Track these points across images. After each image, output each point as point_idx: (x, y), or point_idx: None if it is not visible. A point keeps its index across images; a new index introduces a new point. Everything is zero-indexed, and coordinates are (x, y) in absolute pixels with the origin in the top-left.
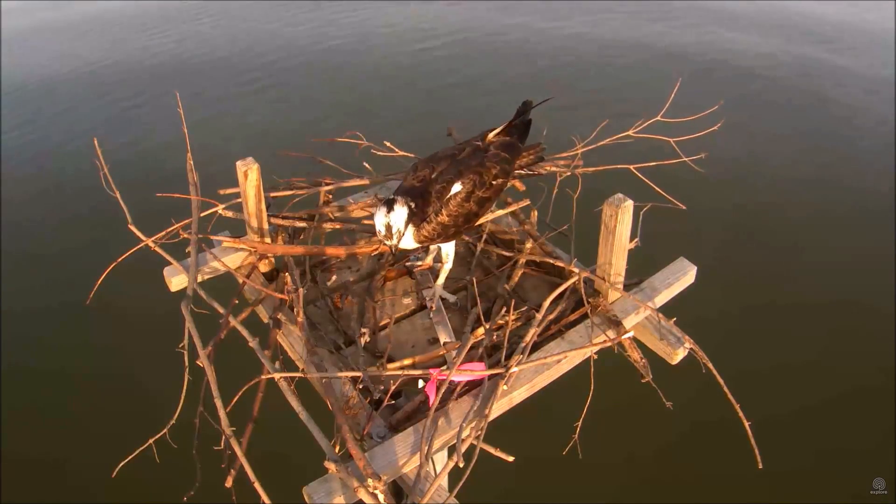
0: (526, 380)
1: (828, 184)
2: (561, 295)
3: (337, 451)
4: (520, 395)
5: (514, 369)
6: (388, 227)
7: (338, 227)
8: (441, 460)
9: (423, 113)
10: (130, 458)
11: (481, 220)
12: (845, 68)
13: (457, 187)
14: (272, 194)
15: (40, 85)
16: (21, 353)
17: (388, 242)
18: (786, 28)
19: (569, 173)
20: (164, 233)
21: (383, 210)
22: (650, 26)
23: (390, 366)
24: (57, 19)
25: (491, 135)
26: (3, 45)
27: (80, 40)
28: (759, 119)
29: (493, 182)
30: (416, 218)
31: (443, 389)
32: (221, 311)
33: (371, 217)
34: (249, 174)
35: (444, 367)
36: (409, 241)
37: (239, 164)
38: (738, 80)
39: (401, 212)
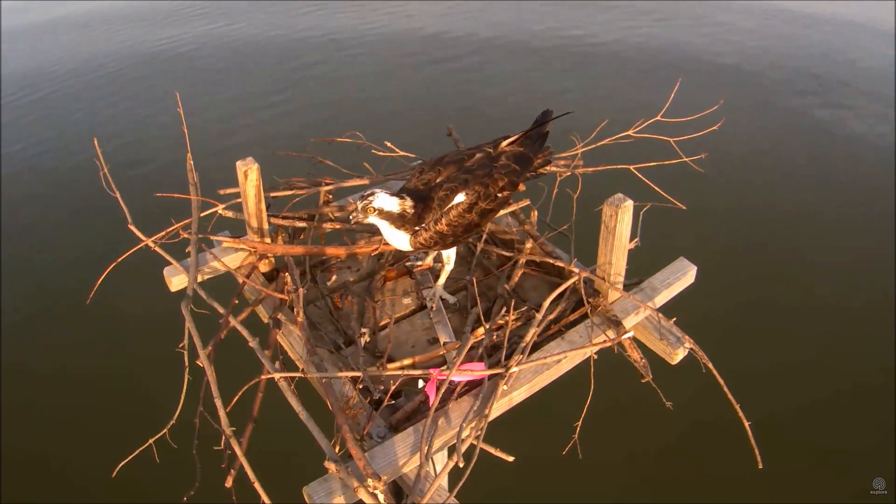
0: (526, 380)
1: (828, 183)
2: (561, 295)
3: (337, 451)
4: (520, 395)
5: (514, 369)
6: (364, 198)
7: (338, 227)
8: (441, 460)
9: (425, 113)
10: (130, 458)
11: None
12: (845, 68)
13: (460, 197)
14: (272, 194)
15: (41, 85)
16: (21, 353)
17: (352, 213)
18: (785, 28)
19: (569, 173)
20: (164, 233)
21: (377, 191)
22: (651, 28)
23: (390, 366)
24: (59, 18)
25: (504, 143)
26: (4, 43)
27: (83, 39)
28: (759, 119)
29: (499, 194)
30: (410, 223)
31: (443, 389)
32: (221, 311)
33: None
34: (249, 174)
35: (444, 367)
36: (404, 244)
37: (239, 164)
38: (737, 80)
39: (390, 200)
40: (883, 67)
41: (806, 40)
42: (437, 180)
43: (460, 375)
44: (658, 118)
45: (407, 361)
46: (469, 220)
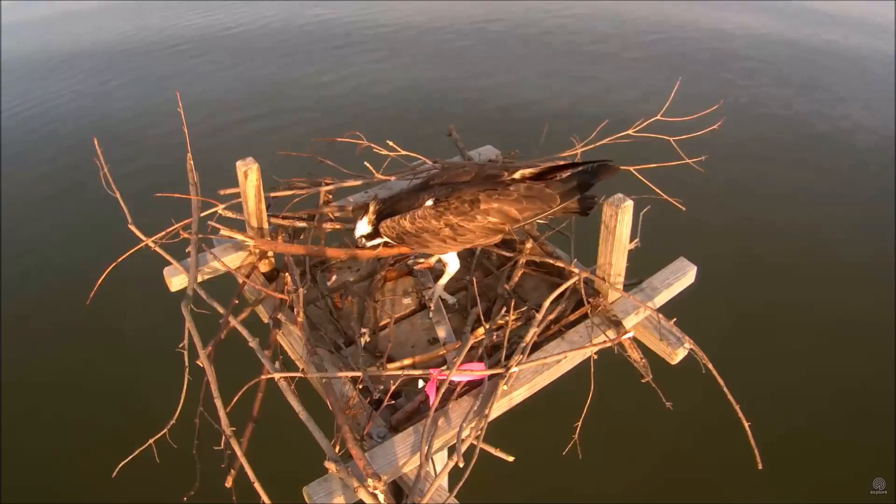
0: (526, 380)
1: (829, 187)
2: (561, 295)
3: (337, 451)
4: (520, 395)
5: (514, 369)
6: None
7: (338, 227)
8: (441, 460)
9: (426, 112)
10: (130, 458)
11: (475, 245)
12: (846, 72)
13: (429, 202)
14: (272, 194)
15: (42, 85)
16: (21, 354)
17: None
18: (786, 33)
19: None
20: (164, 233)
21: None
22: (651, 26)
23: (390, 366)
24: (64, 18)
25: (527, 171)
26: (4, 43)
27: (85, 40)
28: (760, 122)
29: (479, 217)
30: (384, 207)
31: (443, 389)
32: (221, 311)
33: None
34: (249, 174)
35: (444, 367)
36: (364, 227)
37: (239, 164)
38: (739, 84)
39: (360, 225)
40: (884, 76)
41: (810, 53)
42: (432, 184)
43: (460, 375)
44: (658, 118)
45: (407, 361)
46: (436, 228)
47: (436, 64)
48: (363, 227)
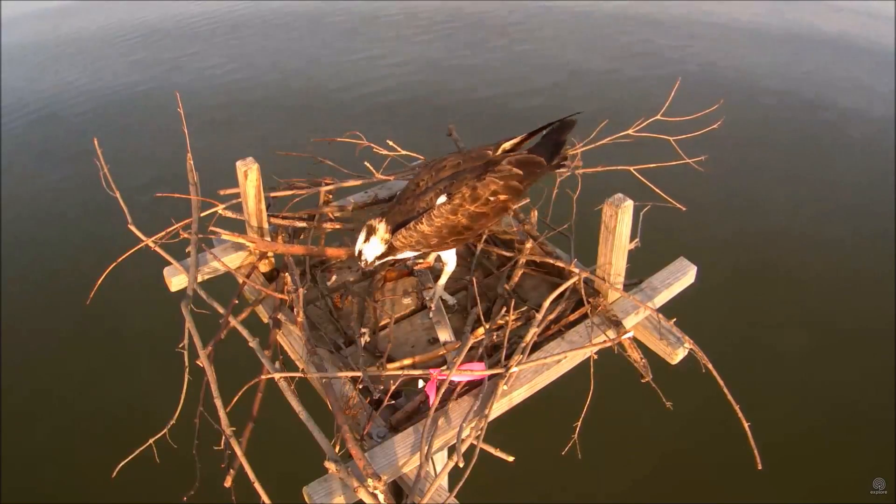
0: (526, 380)
1: (831, 189)
2: (561, 295)
3: (337, 451)
4: (520, 395)
5: (514, 369)
6: (360, 253)
7: (338, 227)
8: (441, 460)
9: (425, 112)
10: (130, 458)
11: (481, 232)
12: (847, 81)
13: (441, 199)
14: (272, 194)
15: (41, 86)
16: (21, 354)
17: (360, 263)
18: (789, 42)
19: (569, 173)
20: (164, 233)
21: (363, 235)
22: (652, 26)
23: (390, 366)
24: (65, 23)
25: (507, 144)
26: (5, 45)
27: (85, 43)
28: (760, 124)
29: (491, 198)
30: (391, 223)
31: (443, 389)
32: (221, 311)
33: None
34: (249, 174)
35: (444, 367)
36: (377, 248)
37: (239, 163)
38: (740, 96)
39: (374, 247)
40: (884, 77)
41: (809, 52)
42: (428, 184)
43: (460, 375)
44: (658, 117)
45: (407, 361)
46: (454, 223)
47: (438, 64)
48: (375, 247)
